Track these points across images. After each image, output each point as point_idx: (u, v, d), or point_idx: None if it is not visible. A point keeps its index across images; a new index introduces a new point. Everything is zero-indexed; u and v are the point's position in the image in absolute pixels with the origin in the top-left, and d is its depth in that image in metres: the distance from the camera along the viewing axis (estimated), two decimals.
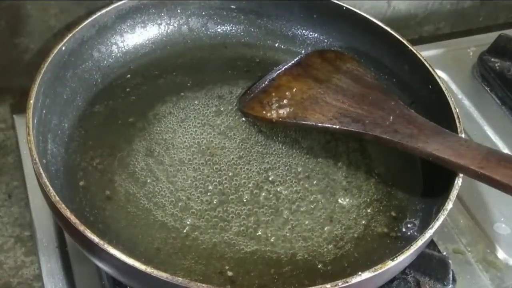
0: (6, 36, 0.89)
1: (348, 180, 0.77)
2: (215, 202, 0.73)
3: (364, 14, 0.88)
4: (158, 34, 0.88)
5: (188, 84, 0.85)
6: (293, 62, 0.86)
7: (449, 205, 0.67)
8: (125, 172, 0.74)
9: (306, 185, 0.76)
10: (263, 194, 0.75)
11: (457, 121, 0.75)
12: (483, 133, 0.96)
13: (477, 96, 1.02)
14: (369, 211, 0.75)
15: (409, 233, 0.72)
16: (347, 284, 0.59)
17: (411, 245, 0.63)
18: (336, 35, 0.91)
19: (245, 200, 0.74)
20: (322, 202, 0.75)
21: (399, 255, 0.62)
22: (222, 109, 0.83)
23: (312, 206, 0.74)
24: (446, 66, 1.05)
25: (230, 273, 0.67)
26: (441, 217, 0.66)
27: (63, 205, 0.61)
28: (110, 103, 0.81)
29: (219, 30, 0.91)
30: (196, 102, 0.83)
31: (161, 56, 0.88)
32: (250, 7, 0.91)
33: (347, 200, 0.75)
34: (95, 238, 0.59)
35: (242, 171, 0.77)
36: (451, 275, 0.75)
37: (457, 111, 0.77)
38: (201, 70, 0.88)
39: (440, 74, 0.97)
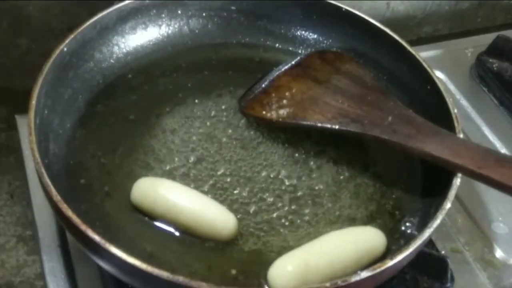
0: (8, 37, 0.89)
1: (347, 179, 0.78)
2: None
3: (363, 15, 0.89)
4: (159, 35, 0.89)
5: (189, 85, 0.86)
6: (292, 63, 0.87)
7: (448, 204, 0.67)
8: (125, 171, 0.75)
9: (306, 185, 0.76)
10: (262, 193, 0.75)
11: (455, 121, 0.76)
12: (481, 133, 0.97)
13: (475, 97, 1.02)
14: (368, 210, 0.75)
15: (407, 232, 0.73)
16: (346, 283, 0.60)
17: (410, 244, 0.64)
18: (335, 36, 0.92)
19: (244, 199, 0.74)
20: (321, 201, 0.75)
21: (397, 254, 0.63)
22: (222, 109, 0.84)
23: (311, 205, 0.75)
24: (445, 66, 1.05)
25: (231, 272, 0.67)
26: (440, 217, 0.66)
27: (65, 205, 0.62)
28: (111, 103, 0.82)
29: (219, 31, 0.92)
30: (196, 101, 0.84)
31: (162, 56, 0.88)
32: (250, 8, 0.91)
33: (346, 199, 0.76)
34: (97, 237, 0.60)
35: (242, 170, 0.77)
36: (449, 274, 0.76)
37: (455, 111, 0.77)
38: (202, 70, 0.88)
39: (439, 75, 0.98)
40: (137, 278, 0.61)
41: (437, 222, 0.66)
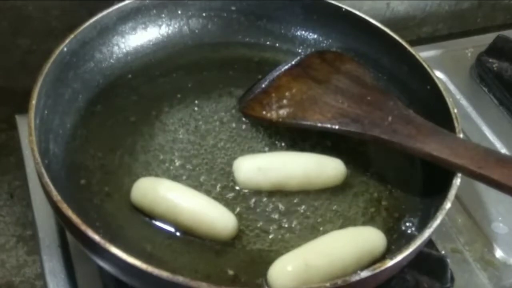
0: (9, 37, 0.89)
1: (348, 179, 0.78)
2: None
3: (363, 16, 0.89)
4: (158, 35, 0.89)
5: (189, 85, 0.86)
6: (292, 63, 0.87)
7: (448, 204, 0.68)
8: (125, 171, 0.75)
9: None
10: (262, 193, 0.75)
11: (455, 121, 0.76)
12: (481, 133, 0.97)
13: (475, 97, 1.02)
14: (368, 210, 0.75)
15: (408, 232, 0.73)
16: (346, 283, 0.60)
17: (410, 244, 0.64)
18: (335, 36, 0.92)
19: (243, 200, 0.74)
20: (322, 201, 0.75)
21: (397, 254, 0.63)
22: (222, 109, 0.84)
23: (311, 205, 0.75)
24: (445, 67, 1.05)
25: (231, 272, 0.67)
26: (440, 217, 0.66)
27: (65, 205, 0.62)
28: (111, 103, 0.82)
29: (219, 31, 0.92)
30: (196, 102, 0.84)
31: (162, 56, 0.88)
32: (250, 9, 0.91)
33: (347, 199, 0.76)
34: (97, 237, 0.60)
35: None
36: (449, 274, 0.76)
37: (455, 111, 0.77)
38: (202, 70, 0.89)
39: (439, 75, 0.98)
40: (137, 278, 0.61)
41: (437, 222, 0.66)
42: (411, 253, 0.64)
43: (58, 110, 0.76)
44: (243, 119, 0.83)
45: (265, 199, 0.74)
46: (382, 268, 0.62)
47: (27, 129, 0.68)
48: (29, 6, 0.87)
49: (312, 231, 0.72)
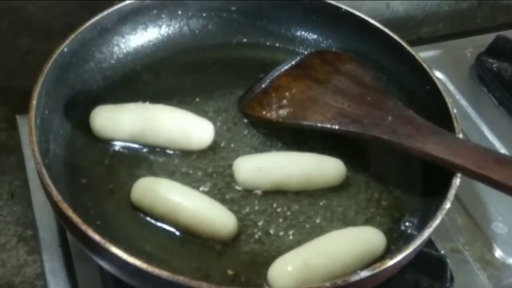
0: (9, 37, 0.90)
1: (347, 179, 0.78)
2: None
3: (363, 16, 0.89)
4: (159, 35, 0.89)
5: (189, 85, 0.86)
6: (292, 63, 0.87)
7: (447, 204, 0.68)
8: (126, 171, 0.75)
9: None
10: (262, 193, 0.75)
11: (454, 121, 0.76)
12: (481, 133, 0.97)
13: (474, 97, 1.02)
14: (368, 210, 0.75)
15: (407, 232, 0.73)
16: (346, 282, 0.60)
17: (410, 244, 0.64)
18: (335, 36, 0.92)
19: (244, 199, 0.74)
20: (321, 201, 0.75)
21: (397, 254, 0.63)
22: (222, 109, 0.84)
23: (311, 205, 0.75)
24: (444, 67, 1.05)
25: (230, 272, 0.67)
26: (439, 216, 0.66)
27: (65, 205, 0.62)
28: (111, 103, 0.82)
29: (219, 31, 0.92)
30: (196, 101, 0.84)
31: (162, 57, 0.88)
32: (250, 9, 0.91)
33: (347, 199, 0.76)
34: (97, 237, 0.60)
35: None
36: (448, 274, 0.76)
37: (455, 111, 0.77)
38: (202, 70, 0.89)
39: (438, 75, 0.98)
40: (137, 278, 0.61)
41: (436, 222, 0.66)
42: (411, 253, 0.64)
43: (59, 110, 0.76)
44: (243, 119, 0.83)
45: (265, 199, 0.75)
46: (382, 268, 0.62)
47: (27, 129, 0.68)
48: (29, 6, 0.87)
49: (312, 231, 0.72)
